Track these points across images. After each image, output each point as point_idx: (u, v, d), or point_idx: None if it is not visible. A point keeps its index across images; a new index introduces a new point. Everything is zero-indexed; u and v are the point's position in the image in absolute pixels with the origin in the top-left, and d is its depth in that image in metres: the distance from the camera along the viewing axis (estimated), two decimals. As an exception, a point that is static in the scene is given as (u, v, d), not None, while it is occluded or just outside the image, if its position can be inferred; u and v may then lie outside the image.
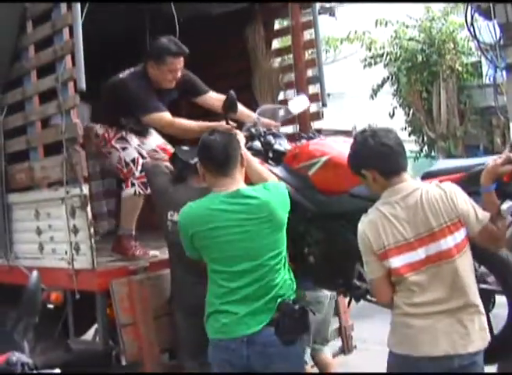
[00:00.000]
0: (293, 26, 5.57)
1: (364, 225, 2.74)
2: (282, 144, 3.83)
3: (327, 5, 13.45)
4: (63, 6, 4.03)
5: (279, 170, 3.55)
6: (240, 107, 4.03)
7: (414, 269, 2.64)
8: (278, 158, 3.73)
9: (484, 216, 2.67)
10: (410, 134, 15.27)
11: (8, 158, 4.67)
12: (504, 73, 8.58)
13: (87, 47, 3.85)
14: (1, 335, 4.85)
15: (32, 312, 2.80)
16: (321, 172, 3.43)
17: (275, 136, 3.87)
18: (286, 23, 6.21)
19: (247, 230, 2.92)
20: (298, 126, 5.48)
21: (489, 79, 11.30)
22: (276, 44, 6.60)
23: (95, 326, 4.29)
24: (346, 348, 4.90)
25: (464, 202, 2.66)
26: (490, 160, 2.74)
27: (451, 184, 2.73)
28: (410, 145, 14.04)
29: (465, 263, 2.67)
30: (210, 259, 3.02)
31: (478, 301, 2.70)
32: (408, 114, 15.09)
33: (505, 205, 2.85)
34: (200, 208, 3.02)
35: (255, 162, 3.33)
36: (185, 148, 3.85)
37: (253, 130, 3.82)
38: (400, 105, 14.99)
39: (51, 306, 4.16)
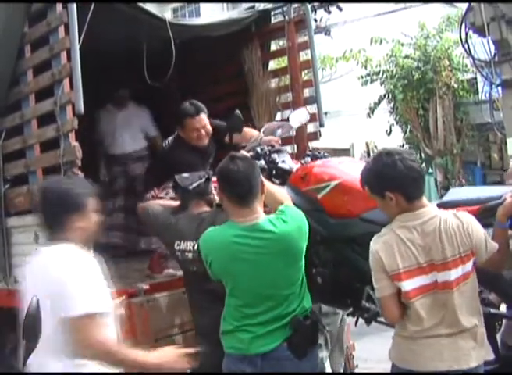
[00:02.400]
0: (290, 48, 5.62)
1: (378, 245, 2.76)
2: (286, 162, 3.87)
3: (322, 24, 13.59)
4: (61, 30, 4.06)
5: (286, 191, 3.53)
6: (245, 129, 4.19)
7: (422, 292, 2.71)
8: (282, 175, 3.76)
9: (492, 247, 2.74)
10: (407, 151, 15.31)
11: (6, 182, 4.67)
12: (500, 89, 8.64)
13: (84, 70, 3.88)
14: (0, 359, 4.84)
15: (33, 338, 2.78)
16: (331, 196, 3.42)
17: (279, 152, 3.92)
18: (281, 42, 6.27)
19: (262, 264, 2.94)
20: (296, 146, 5.52)
21: (485, 95, 11.38)
22: (273, 64, 6.65)
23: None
24: (348, 368, 4.87)
25: (478, 235, 2.73)
26: (508, 195, 2.82)
27: (467, 215, 2.78)
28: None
29: (470, 290, 2.75)
30: (226, 285, 3.06)
31: (480, 320, 2.77)
32: (405, 131, 15.15)
33: None
34: (220, 236, 3.04)
35: (270, 184, 3.31)
36: (185, 174, 3.92)
37: (258, 149, 3.86)
38: (396, 123, 15.05)
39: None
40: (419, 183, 2.76)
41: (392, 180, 2.73)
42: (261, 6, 5.71)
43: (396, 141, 15.56)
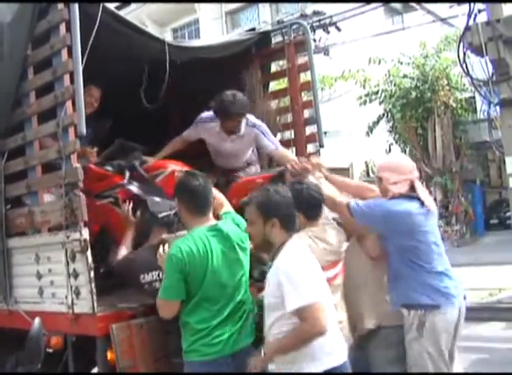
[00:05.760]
0: (290, 69, 5.67)
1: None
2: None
3: (321, 44, 13.69)
4: (64, 53, 4.10)
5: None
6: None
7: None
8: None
9: None
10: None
11: (8, 203, 4.69)
12: (498, 108, 8.69)
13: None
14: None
15: (35, 360, 2.79)
16: (165, 180, 4.52)
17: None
18: (281, 62, 6.31)
19: (228, 258, 3.45)
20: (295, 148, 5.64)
21: (483, 114, 11.43)
22: (273, 85, 6.68)
23: (95, 369, 4.25)
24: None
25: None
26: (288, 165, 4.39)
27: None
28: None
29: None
30: (200, 286, 3.38)
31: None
32: (404, 150, 15.19)
33: None
34: (193, 242, 3.40)
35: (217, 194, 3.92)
36: (157, 199, 4.26)
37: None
38: (395, 142, 15.10)
39: (50, 350, 4.13)
40: (316, 207, 3.82)
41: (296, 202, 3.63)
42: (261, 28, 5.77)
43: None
